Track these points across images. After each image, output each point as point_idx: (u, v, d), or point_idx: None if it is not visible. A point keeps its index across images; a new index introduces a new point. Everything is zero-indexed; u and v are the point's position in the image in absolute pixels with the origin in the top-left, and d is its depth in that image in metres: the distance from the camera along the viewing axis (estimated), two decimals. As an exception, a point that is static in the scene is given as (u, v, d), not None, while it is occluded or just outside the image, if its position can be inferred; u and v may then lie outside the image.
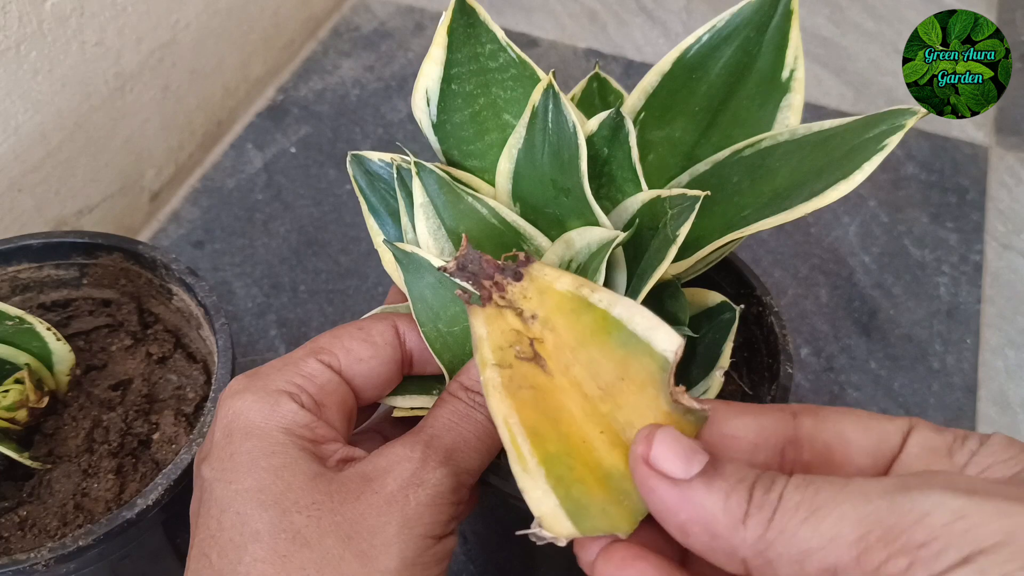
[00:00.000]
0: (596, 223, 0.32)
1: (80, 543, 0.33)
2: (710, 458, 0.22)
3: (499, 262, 0.25)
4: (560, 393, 0.24)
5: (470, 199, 0.33)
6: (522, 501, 0.32)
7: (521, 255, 0.24)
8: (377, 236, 0.35)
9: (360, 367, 0.31)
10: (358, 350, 0.31)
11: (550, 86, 0.31)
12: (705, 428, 0.24)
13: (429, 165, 0.33)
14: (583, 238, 0.32)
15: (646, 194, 0.32)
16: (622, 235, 0.30)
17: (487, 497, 0.38)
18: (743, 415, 0.25)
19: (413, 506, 0.26)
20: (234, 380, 0.30)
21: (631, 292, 0.31)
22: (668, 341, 0.23)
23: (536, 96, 0.32)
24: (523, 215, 0.34)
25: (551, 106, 0.31)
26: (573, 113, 0.31)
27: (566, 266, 0.33)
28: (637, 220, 0.32)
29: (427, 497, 0.27)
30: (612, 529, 0.23)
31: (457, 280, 0.26)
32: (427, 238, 0.33)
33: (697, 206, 0.29)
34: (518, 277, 0.25)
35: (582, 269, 0.32)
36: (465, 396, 0.30)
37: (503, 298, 0.24)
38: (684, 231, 0.29)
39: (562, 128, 0.31)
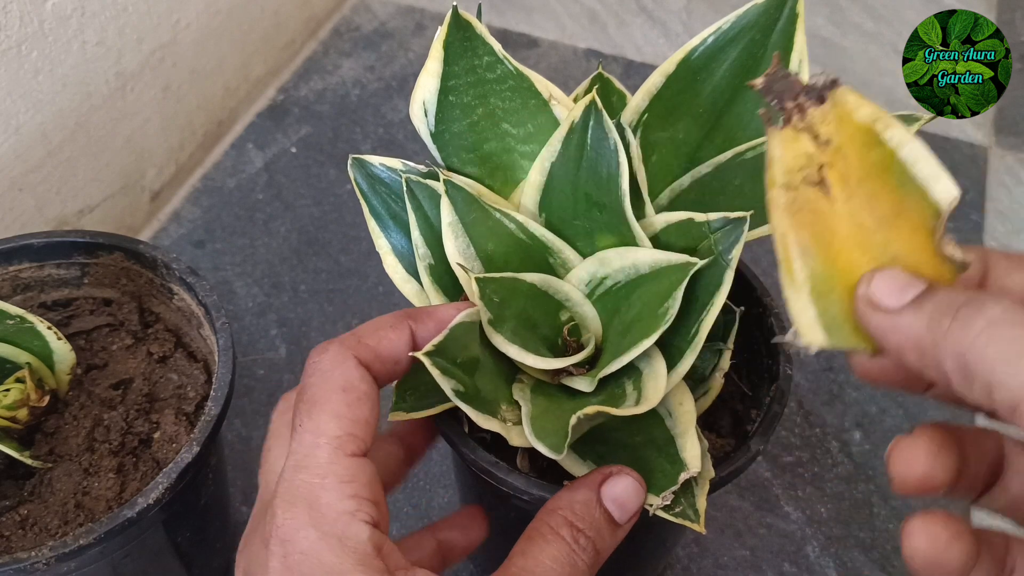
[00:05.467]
0: (632, 241, 0.32)
1: (81, 542, 0.33)
2: (928, 285, 0.24)
3: (807, 83, 0.25)
4: (837, 219, 0.25)
5: (498, 215, 0.33)
6: (523, 499, 0.32)
7: (827, 76, 0.25)
8: (379, 239, 0.35)
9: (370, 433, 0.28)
10: (361, 418, 0.28)
11: (592, 103, 0.31)
12: (986, 278, 0.26)
13: (456, 180, 0.33)
14: (624, 258, 0.32)
15: (675, 215, 0.32)
16: (700, 262, 0.30)
17: (488, 496, 0.38)
18: (1019, 270, 0.26)
19: None
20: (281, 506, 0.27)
21: (687, 322, 0.30)
22: (946, 192, 0.24)
23: (577, 111, 0.32)
24: (548, 225, 0.34)
25: (592, 123, 0.32)
26: (615, 131, 0.31)
27: (597, 284, 0.33)
28: (661, 238, 0.32)
29: None
30: (859, 346, 0.25)
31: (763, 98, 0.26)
32: (457, 257, 0.33)
33: (746, 228, 0.29)
34: (822, 100, 0.25)
35: (624, 291, 0.32)
36: (570, 535, 0.28)
37: (802, 120, 0.25)
38: (737, 254, 0.29)
39: (602, 144, 0.32)
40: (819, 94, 0.25)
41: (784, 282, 0.25)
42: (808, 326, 0.25)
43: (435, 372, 0.28)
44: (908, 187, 0.25)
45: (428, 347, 0.29)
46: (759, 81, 0.25)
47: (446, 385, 0.29)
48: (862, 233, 0.25)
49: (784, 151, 0.25)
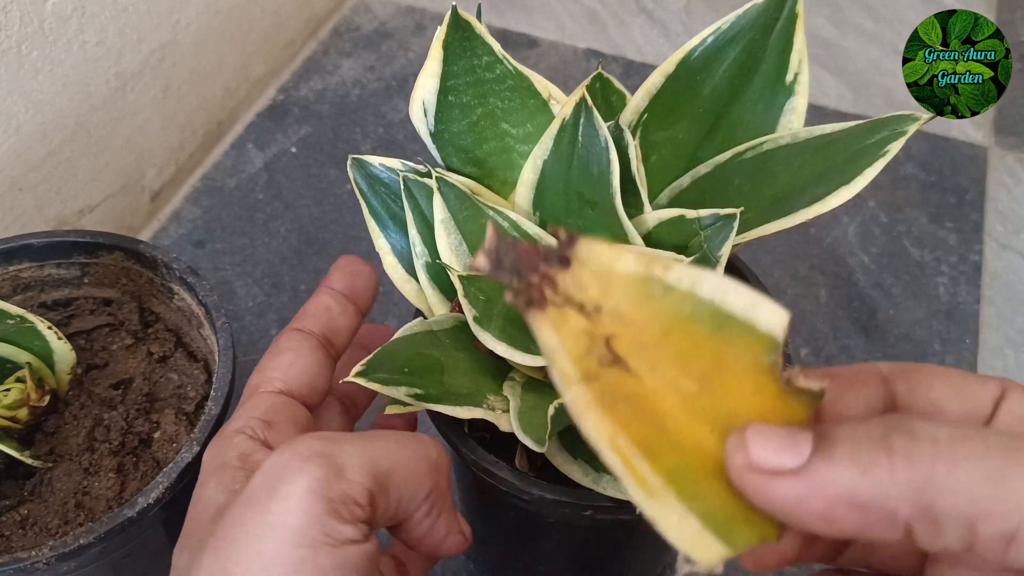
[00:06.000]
0: (624, 238, 0.32)
1: (81, 541, 0.33)
2: (814, 430, 0.19)
3: (539, 247, 0.20)
4: (655, 397, 0.20)
5: (491, 212, 0.33)
6: (523, 498, 0.32)
7: (560, 233, 0.20)
8: (378, 239, 0.35)
9: (295, 374, 0.32)
10: (282, 363, 0.32)
11: (583, 100, 0.31)
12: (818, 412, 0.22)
13: (450, 178, 0.33)
14: None
15: (666, 212, 0.32)
16: (687, 260, 0.29)
17: (486, 495, 0.38)
18: (849, 390, 0.22)
19: (276, 514, 0.23)
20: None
21: None
22: (774, 318, 0.20)
23: (567, 109, 0.32)
24: (542, 224, 0.34)
25: (583, 120, 0.32)
26: (606, 128, 0.31)
27: None
28: (653, 235, 0.32)
29: (292, 502, 0.24)
30: (763, 538, 0.20)
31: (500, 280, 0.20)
32: (449, 254, 0.33)
33: (736, 224, 0.29)
34: (565, 263, 0.20)
35: None
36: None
37: (557, 293, 0.20)
38: (727, 251, 0.29)
39: (593, 142, 0.32)
40: (559, 256, 0.20)
41: (637, 499, 0.19)
42: (697, 542, 0.19)
43: (375, 386, 0.29)
44: (725, 328, 0.20)
45: (357, 368, 0.29)
46: (481, 261, 0.19)
47: (396, 393, 0.29)
48: (687, 402, 0.20)
49: (561, 336, 0.19)
